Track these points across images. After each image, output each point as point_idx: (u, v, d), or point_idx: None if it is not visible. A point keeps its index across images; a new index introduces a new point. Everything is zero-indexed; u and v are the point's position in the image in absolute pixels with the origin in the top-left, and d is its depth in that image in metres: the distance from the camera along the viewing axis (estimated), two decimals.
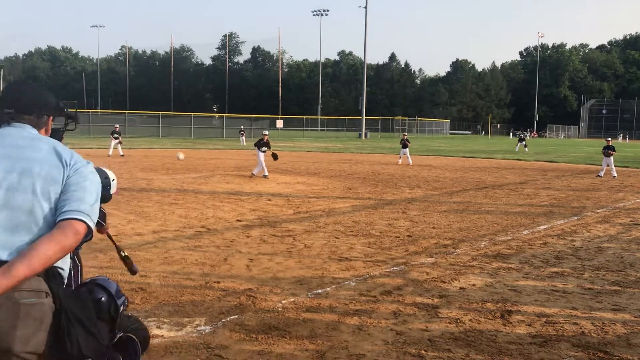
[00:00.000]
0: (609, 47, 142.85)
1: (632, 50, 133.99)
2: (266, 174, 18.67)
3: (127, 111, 71.83)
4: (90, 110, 68.97)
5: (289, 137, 68.94)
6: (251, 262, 7.41)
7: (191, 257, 7.62)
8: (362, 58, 79.31)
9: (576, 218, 11.83)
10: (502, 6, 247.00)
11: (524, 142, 44.88)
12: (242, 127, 56.48)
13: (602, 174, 22.35)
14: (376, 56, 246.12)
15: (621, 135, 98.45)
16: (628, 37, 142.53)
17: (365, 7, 73.28)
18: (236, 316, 5.34)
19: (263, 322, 5.20)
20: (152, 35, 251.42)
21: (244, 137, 51.06)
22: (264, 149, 19.01)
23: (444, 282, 6.66)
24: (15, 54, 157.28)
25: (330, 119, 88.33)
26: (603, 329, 5.23)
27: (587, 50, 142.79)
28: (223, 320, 5.23)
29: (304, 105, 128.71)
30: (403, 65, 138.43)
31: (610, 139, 23.51)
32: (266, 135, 19.71)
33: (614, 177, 21.72)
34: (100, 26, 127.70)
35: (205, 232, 9.43)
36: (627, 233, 10.23)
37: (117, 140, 30.29)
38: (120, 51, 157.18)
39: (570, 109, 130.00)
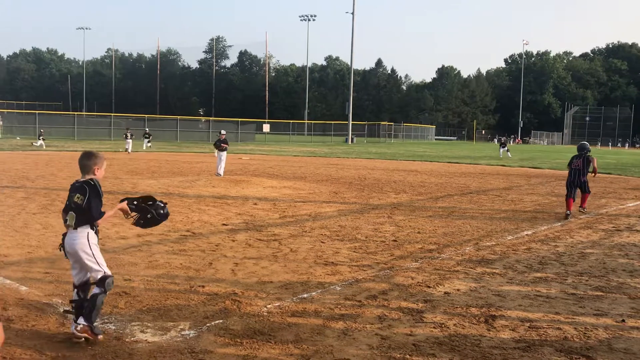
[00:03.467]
0: (592, 55, 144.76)
1: (614, 59, 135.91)
2: (220, 173, 20.25)
3: (112, 114, 71.40)
4: (76, 113, 68.48)
5: (276, 141, 68.90)
6: (236, 267, 7.39)
7: (176, 261, 7.58)
8: (349, 63, 79.59)
9: (560, 224, 11.94)
10: (487, 13, 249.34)
11: (505, 147, 45.28)
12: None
13: None
14: (363, 62, 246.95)
15: (610, 142, 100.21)
16: (611, 46, 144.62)
17: (352, 13, 73.63)
18: (221, 320, 5.31)
19: (248, 326, 5.19)
20: (139, 38, 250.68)
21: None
22: (225, 147, 20.83)
23: (429, 287, 6.68)
24: None
25: (317, 123, 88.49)
26: (585, 333, 5.28)
27: (570, 58, 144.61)
28: (208, 324, 5.21)
29: (291, 109, 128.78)
30: (389, 71, 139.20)
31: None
32: (223, 134, 21.59)
33: None
34: (86, 28, 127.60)
35: (190, 236, 9.38)
36: (609, 239, 10.35)
37: (130, 140, 37.58)
38: (106, 54, 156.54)
39: (554, 115, 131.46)
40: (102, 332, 4.80)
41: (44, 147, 37.71)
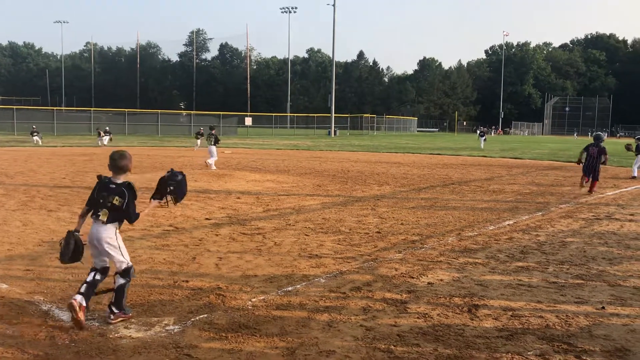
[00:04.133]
0: (571, 46, 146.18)
1: (593, 50, 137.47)
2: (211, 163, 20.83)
3: (92, 109, 70.57)
4: (55, 108, 67.57)
5: (258, 134, 68.69)
6: (220, 261, 7.37)
7: (159, 256, 7.54)
8: (331, 56, 79.48)
9: (540, 213, 12.08)
10: (468, 5, 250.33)
11: (484, 137, 45.79)
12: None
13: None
14: (345, 54, 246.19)
15: (589, 132, 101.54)
16: (589, 37, 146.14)
17: (334, 5, 73.52)
18: (205, 315, 5.30)
19: (233, 320, 5.18)
20: (118, 32, 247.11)
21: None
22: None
23: (412, 278, 6.73)
24: None
25: (299, 116, 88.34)
26: (567, 321, 5.36)
27: (550, 49, 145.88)
28: (192, 319, 5.19)
29: (273, 102, 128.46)
30: (371, 63, 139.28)
31: None
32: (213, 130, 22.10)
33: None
34: (64, 22, 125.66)
35: (173, 231, 9.33)
36: (589, 227, 10.49)
37: (108, 137, 38.54)
38: (85, 47, 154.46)
39: (534, 106, 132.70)
40: (131, 310, 5.23)
41: (40, 143, 37.71)
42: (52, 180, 16.36)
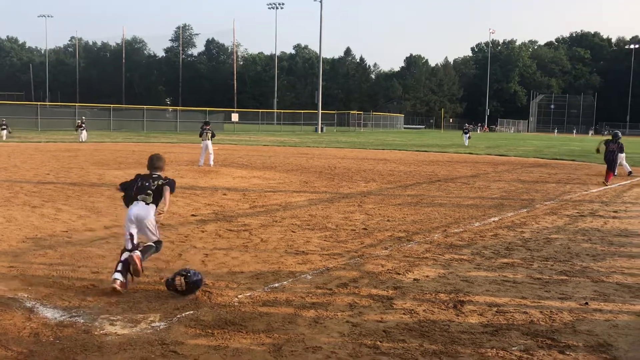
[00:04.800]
0: (556, 44, 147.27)
1: (578, 47, 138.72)
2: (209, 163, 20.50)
3: (77, 104, 69.81)
4: (39, 103, 66.85)
5: (245, 130, 68.46)
6: (206, 257, 7.35)
7: None
8: (318, 52, 79.31)
9: (525, 210, 12.17)
10: (454, 2, 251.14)
11: (468, 135, 45.97)
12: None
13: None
14: (332, 50, 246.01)
15: (574, 129, 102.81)
16: (574, 35, 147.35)
17: (321, 1, 73.31)
18: (191, 312, 5.29)
19: (219, 317, 5.17)
20: (103, 27, 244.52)
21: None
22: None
23: (399, 274, 6.76)
24: None
25: (286, 112, 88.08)
26: (551, 317, 5.41)
27: (536, 47, 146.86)
28: (178, 316, 5.17)
29: (260, 98, 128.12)
30: (358, 60, 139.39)
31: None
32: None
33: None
34: (48, 16, 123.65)
35: (159, 227, 9.26)
36: (573, 224, 10.60)
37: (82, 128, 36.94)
38: (69, 42, 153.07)
39: (520, 103, 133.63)
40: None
41: (4, 138, 36.14)
42: (36, 176, 16.19)
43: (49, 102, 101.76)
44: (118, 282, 5.75)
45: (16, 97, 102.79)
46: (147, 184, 6.22)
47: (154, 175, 6.32)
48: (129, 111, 70.22)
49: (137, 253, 5.94)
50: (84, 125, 37.77)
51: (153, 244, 6.26)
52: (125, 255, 5.91)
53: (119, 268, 5.83)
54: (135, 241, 6.03)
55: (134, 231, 6.07)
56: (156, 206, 6.20)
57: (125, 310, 5.29)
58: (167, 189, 6.24)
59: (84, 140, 36.49)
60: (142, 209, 6.11)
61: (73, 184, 14.50)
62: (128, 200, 6.23)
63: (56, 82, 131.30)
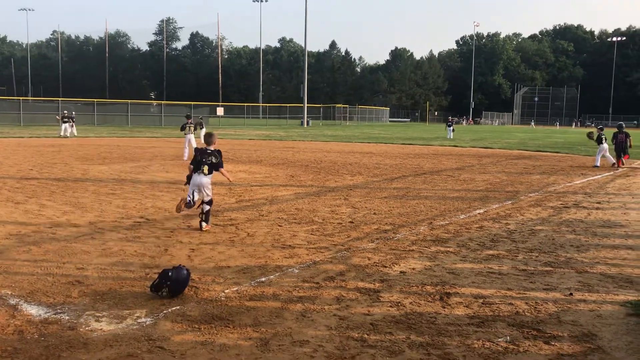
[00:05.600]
0: (540, 36, 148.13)
1: (561, 40, 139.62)
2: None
3: (60, 99, 68.96)
4: (21, 98, 65.89)
5: (230, 124, 68.18)
6: (193, 252, 7.32)
7: (130, 248, 7.45)
8: (303, 45, 79.09)
9: (510, 202, 12.26)
10: None
11: (452, 128, 46.18)
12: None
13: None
14: (317, 44, 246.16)
15: (558, 122, 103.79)
16: (557, 28, 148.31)
17: None
18: (178, 307, 5.26)
19: (206, 312, 5.16)
20: (86, 20, 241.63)
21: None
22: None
23: (385, 267, 6.78)
24: None
25: (272, 106, 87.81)
26: (536, 307, 5.46)
27: (520, 40, 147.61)
28: (164, 311, 5.15)
29: (245, 92, 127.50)
30: (343, 53, 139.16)
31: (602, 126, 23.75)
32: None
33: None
34: (29, 9, 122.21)
35: (144, 222, 9.23)
36: (557, 216, 10.70)
37: (70, 123, 35.49)
38: (51, 36, 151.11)
39: (504, 96, 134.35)
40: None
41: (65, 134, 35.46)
42: (19, 172, 16.01)
43: (31, 96, 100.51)
44: (204, 225, 8.61)
45: None
46: (203, 159, 8.60)
47: (208, 151, 8.70)
48: (113, 106, 69.57)
49: (205, 224, 8.62)
50: (71, 119, 36.52)
51: (208, 204, 8.68)
52: (182, 208, 8.71)
53: (202, 218, 8.63)
54: (195, 199, 8.59)
55: (196, 193, 8.60)
56: (211, 174, 8.68)
57: (111, 306, 5.26)
58: (221, 170, 8.81)
59: (69, 135, 35.37)
60: (202, 179, 8.59)
61: (57, 180, 14.36)
62: (194, 170, 8.63)
63: (38, 77, 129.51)
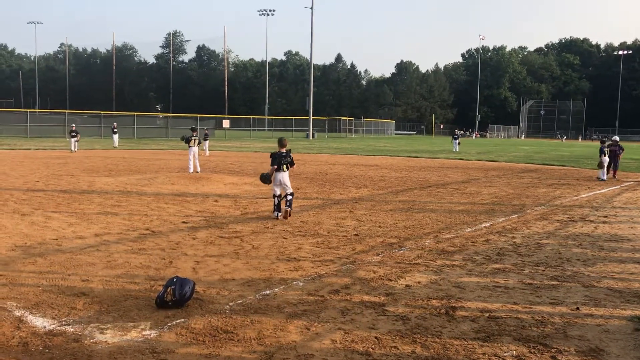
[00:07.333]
0: (546, 50, 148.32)
1: (567, 54, 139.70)
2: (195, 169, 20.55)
3: (67, 111, 69.44)
4: (28, 110, 66.39)
5: (236, 137, 68.40)
6: (197, 265, 7.31)
7: (135, 260, 7.46)
8: (309, 58, 79.41)
9: (516, 215, 12.21)
10: (445, 8, 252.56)
11: (457, 141, 46.12)
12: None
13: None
14: (322, 57, 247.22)
15: (564, 136, 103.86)
16: (563, 41, 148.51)
17: (311, 8, 73.46)
18: (182, 319, 5.25)
19: (210, 324, 5.14)
20: (93, 33, 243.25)
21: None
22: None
23: (390, 280, 6.75)
24: None
25: (277, 119, 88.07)
26: (542, 322, 5.42)
27: (525, 53, 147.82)
28: (169, 324, 5.14)
29: (251, 105, 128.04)
30: (349, 66, 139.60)
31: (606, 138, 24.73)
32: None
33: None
34: (37, 23, 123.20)
35: (149, 234, 9.24)
36: (564, 229, 10.64)
37: (76, 139, 33.99)
38: (59, 49, 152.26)
39: (510, 109, 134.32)
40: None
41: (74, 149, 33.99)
42: (26, 183, 16.08)
43: (38, 109, 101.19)
44: (280, 215, 10.84)
45: (5, 104, 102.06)
46: (282, 160, 10.90)
47: (283, 153, 10.94)
48: (119, 118, 69.87)
49: (283, 211, 10.82)
50: (76, 133, 34.59)
51: (290, 195, 10.99)
52: (276, 200, 10.99)
53: (276, 209, 10.94)
54: (278, 193, 10.98)
55: (278, 187, 10.99)
56: (288, 170, 11.03)
57: (116, 318, 5.25)
58: (292, 167, 11.21)
59: (74, 150, 33.64)
60: (283, 175, 10.92)
61: (63, 192, 14.41)
62: (277, 170, 10.87)
63: (46, 89, 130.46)
